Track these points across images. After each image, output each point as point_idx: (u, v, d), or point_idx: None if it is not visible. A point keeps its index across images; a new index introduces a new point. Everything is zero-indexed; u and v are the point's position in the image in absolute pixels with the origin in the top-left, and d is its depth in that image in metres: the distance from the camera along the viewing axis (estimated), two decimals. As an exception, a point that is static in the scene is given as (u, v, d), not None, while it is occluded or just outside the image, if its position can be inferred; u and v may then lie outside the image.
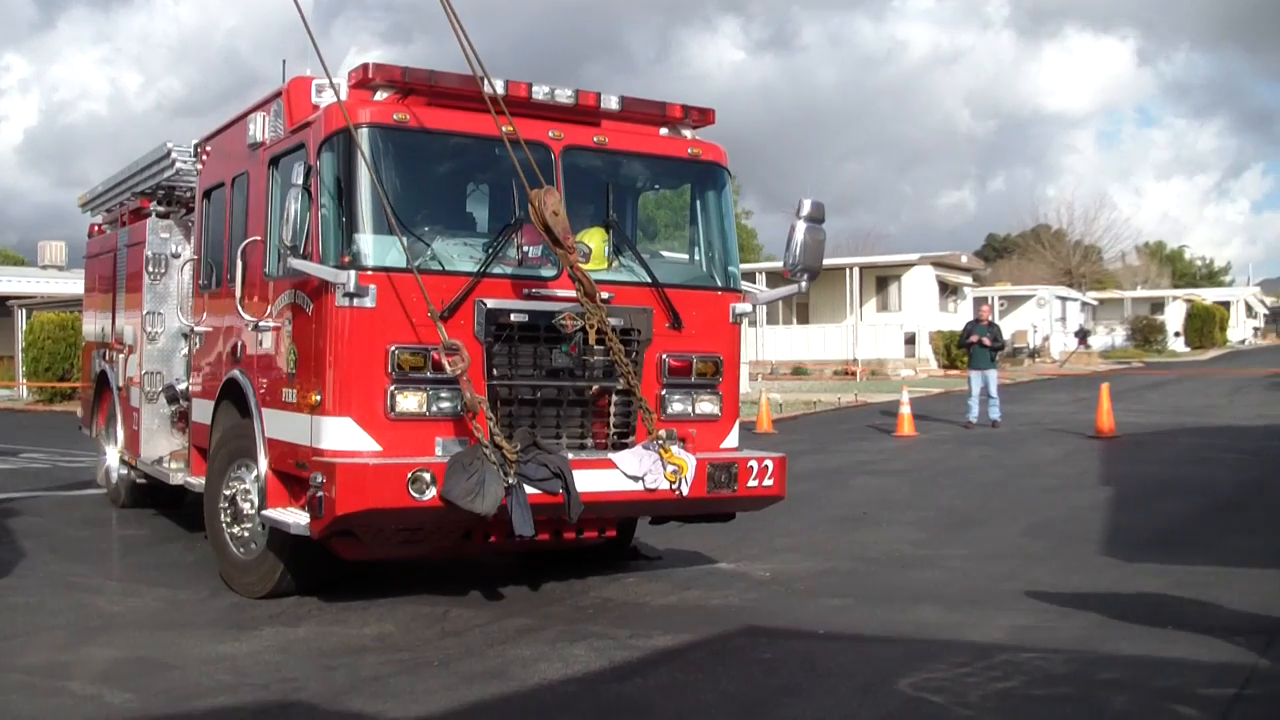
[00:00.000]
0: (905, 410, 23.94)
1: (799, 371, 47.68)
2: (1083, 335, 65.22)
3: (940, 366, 49.55)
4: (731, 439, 10.01)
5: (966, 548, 11.99)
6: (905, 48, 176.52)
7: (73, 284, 45.28)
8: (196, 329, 11.70)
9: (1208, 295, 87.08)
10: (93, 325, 16.14)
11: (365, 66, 9.14)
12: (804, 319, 52.23)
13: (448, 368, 8.38)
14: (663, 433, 9.10)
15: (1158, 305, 79.78)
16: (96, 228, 16.60)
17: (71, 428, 21.02)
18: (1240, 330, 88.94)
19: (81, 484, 16.94)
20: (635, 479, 8.99)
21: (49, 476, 18.34)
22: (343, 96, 9.04)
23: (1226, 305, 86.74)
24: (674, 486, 9.05)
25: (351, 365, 8.65)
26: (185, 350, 12.66)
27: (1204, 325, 75.35)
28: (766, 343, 48.44)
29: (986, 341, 25.01)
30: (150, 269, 13.10)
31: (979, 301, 57.01)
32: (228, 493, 10.10)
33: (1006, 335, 60.90)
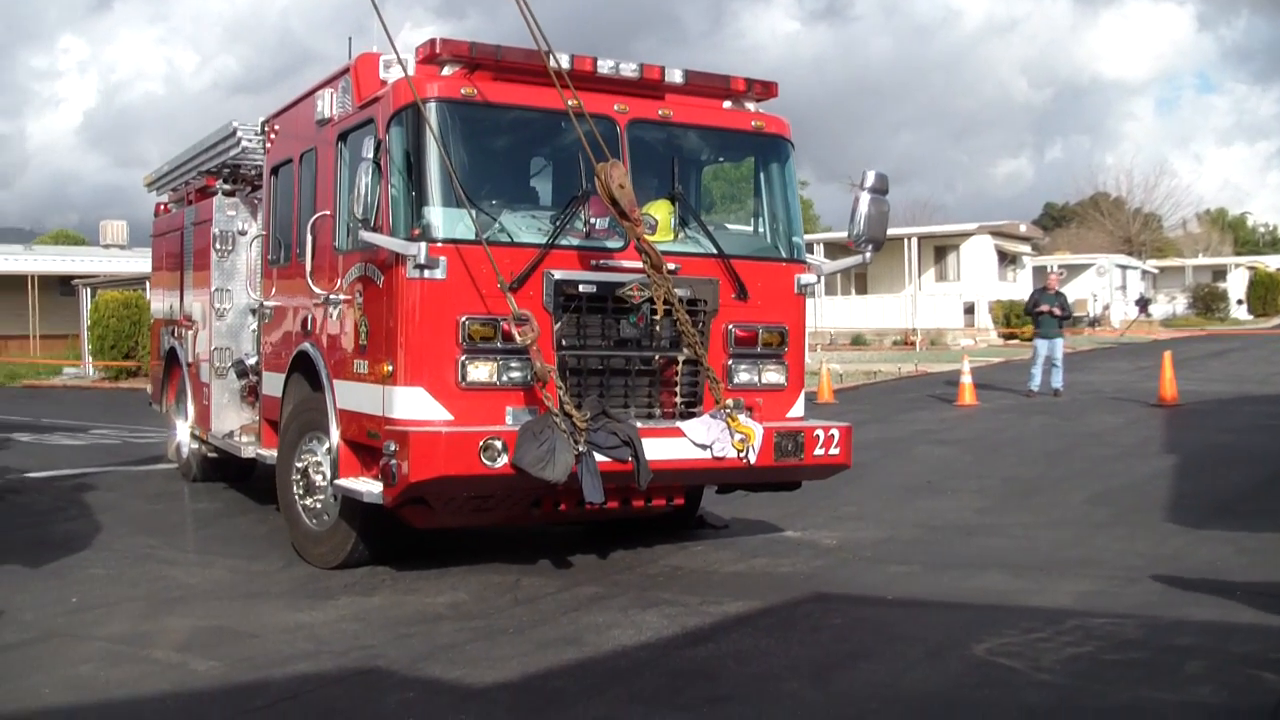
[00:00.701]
0: (966, 379, 23.84)
1: (858, 341, 47.54)
2: (1144, 304, 64.62)
3: (1000, 336, 49.30)
4: (797, 408, 10.08)
5: (1030, 515, 12.01)
6: (960, 16, 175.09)
7: (135, 262, 46.00)
8: (265, 304, 11.86)
9: (1271, 262, 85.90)
10: (161, 303, 16.38)
11: (432, 42, 9.24)
12: (862, 289, 52.08)
13: (518, 337, 8.49)
14: (730, 402, 9.17)
15: (1219, 273, 78.91)
16: (163, 206, 16.82)
17: (138, 404, 21.40)
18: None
19: (152, 459, 17.21)
20: (703, 447, 9.07)
21: (120, 452, 18.64)
22: (410, 72, 9.14)
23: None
24: (741, 455, 9.13)
25: (423, 336, 8.77)
26: (253, 326, 12.82)
27: (1267, 293, 74.35)
28: (825, 313, 48.28)
29: (1056, 310, 24.87)
30: (218, 246, 13.30)
31: (1041, 270, 56.72)
32: (300, 465, 10.27)
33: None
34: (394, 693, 6.62)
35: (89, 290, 42.09)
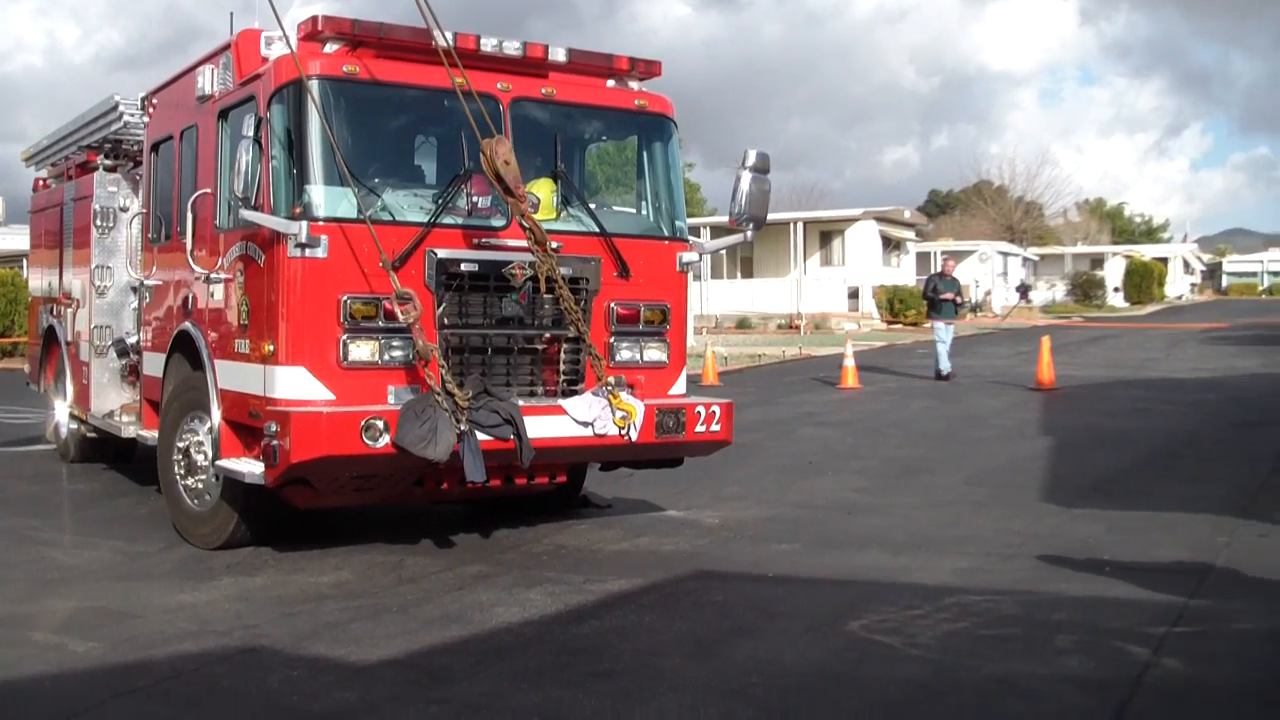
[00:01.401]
0: (849, 363, 24.17)
1: (743, 325, 47.91)
2: (1024, 290, 65.87)
3: (884, 321, 49.93)
4: (679, 386, 10.18)
5: (911, 495, 12.24)
6: (850, 4, 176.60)
7: (10, 239, 44.91)
8: (146, 282, 11.69)
9: (1146, 251, 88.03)
10: (39, 280, 16.06)
11: (315, 19, 9.18)
12: (748, 273, 52.43)
13: (400, 316, 8.49)
14: (611, 379, 9.26)
15: (1098, 261, 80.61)
16: (41, 182, 16.48)
17: (13, 384, 20.94)
18: (1178, 286, 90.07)
19: (28, 439, 16.87)
20: (585, 424, 9.14)
21: (-4, 432, 18.27)
22: (292, 49, 9.08)
23: (1165, 261, 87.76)
24: (623, 432, 9.21)
25: (304, 315, 8.73)
26: (134, 304, 12.64)
27: (1143, 281, 76.11)
28: (711, 296, 48.57)
29: (951, 296, 25.46)
30: (99, 222, 13.07)
31: (925, 257, 57.59)
32: (181, 445, 10.16)
33: (950, 290, 61.74)
34: (278, 671, 6.59)
35: (-38, 267, 41.02)
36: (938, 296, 25.66)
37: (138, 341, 12.27)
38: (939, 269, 27.01)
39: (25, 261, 36.19)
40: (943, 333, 25.23)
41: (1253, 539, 9.93)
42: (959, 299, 25.86)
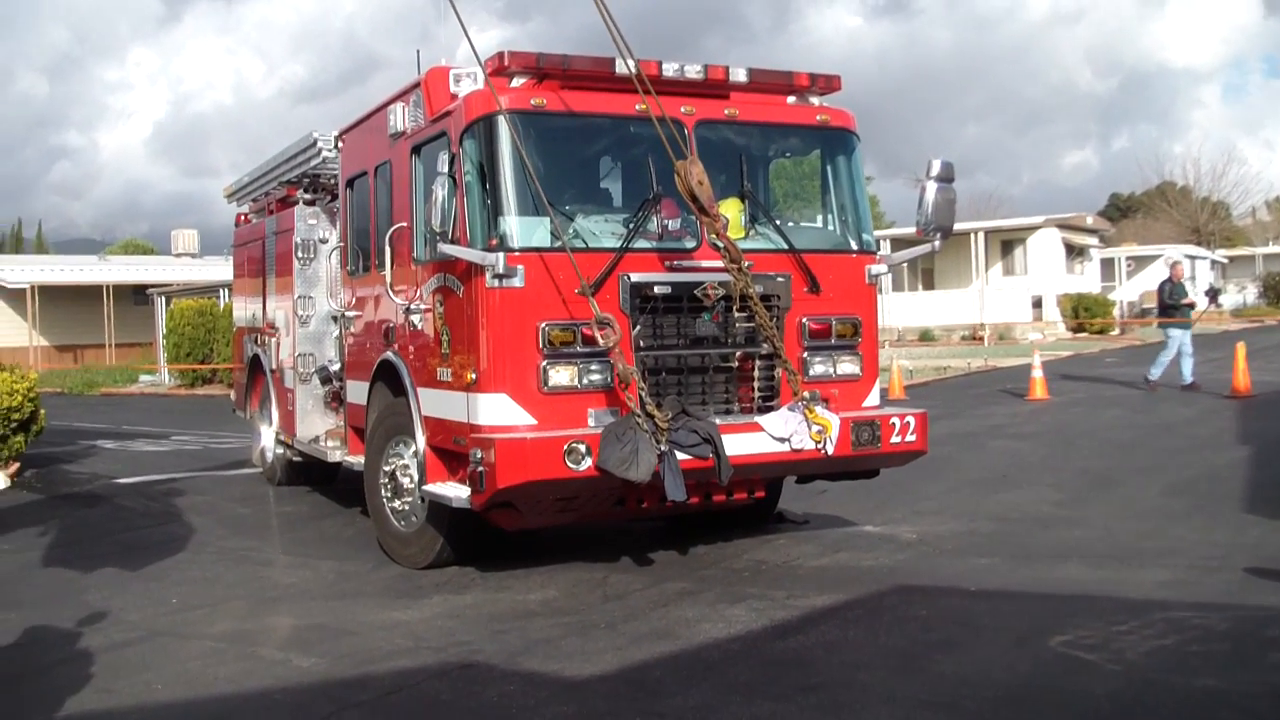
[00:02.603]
0: (1037, 374, 23.82)
1: (926, 337, 47.47)
2: (1213, 294, 63.66)
3: (1068, 329, 49.06)
4: (873, 398, 10.22)
5: (1107, 507, 12.06)
6: (1024, 6, 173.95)
7: (206, 271, 46.77)
8: (347, 314, 12.11)
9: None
10: (243, 311, 16.70)
11: (502, 55, 9.42)
12: (929, 285, 51.98)
13: (600, 341, 8.68)
14: (807, 394, 9.32)
15: (1290, 261, 77.97)
16: (243, 217, 17.17)
17: (215, 410, 21.78)
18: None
19: (235, 464, 17.54)
20: (782, 440, 9.22)
21: (203, 457, 18.99)
22: (488, 85, 9.36)
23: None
24: (820, 446, 9.27)
25: (504, 343, 8.96)
26: (336, 333, 13.08)
27: (1337, 281, 73.43)
28: (893, 310, 48.20)
29: (1191, 301, 24.53)
30: (299, 254, 13.58)
31: (1110, 263, 56.38)
32: (387, 469, 10.50)
33: (1135, 296, 60.31)
34: (494, 686, 6.83)
35: (164, 299, 42.69)
36: (1179, 302, 24.32)
37: (340, 369, 12.69)
38: (1168, 274, 25.63)
39: (223, 292, 37.69)
40: (1185, 340, 23.94)
41: None
42: (1195, 301, 24.72)
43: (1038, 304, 49.86)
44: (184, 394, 36.27)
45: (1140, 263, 63.50)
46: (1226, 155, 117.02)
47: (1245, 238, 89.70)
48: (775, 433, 9.23)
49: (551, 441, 8.60)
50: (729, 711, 6.24)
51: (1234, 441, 16.49)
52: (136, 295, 49.70)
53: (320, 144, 13.03)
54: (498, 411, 8.94)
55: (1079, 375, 27.99)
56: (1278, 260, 77.83)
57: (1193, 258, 66.99)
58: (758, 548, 10.50)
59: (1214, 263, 73.13)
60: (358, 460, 11.50)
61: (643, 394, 8.63)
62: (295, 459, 14.45)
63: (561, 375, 9.00)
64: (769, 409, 9.50)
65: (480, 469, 8.66)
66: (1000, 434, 18.47)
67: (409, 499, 10.25)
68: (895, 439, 9.75)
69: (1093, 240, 57.38)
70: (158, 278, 49.88)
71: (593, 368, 9.04)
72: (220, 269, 42.26)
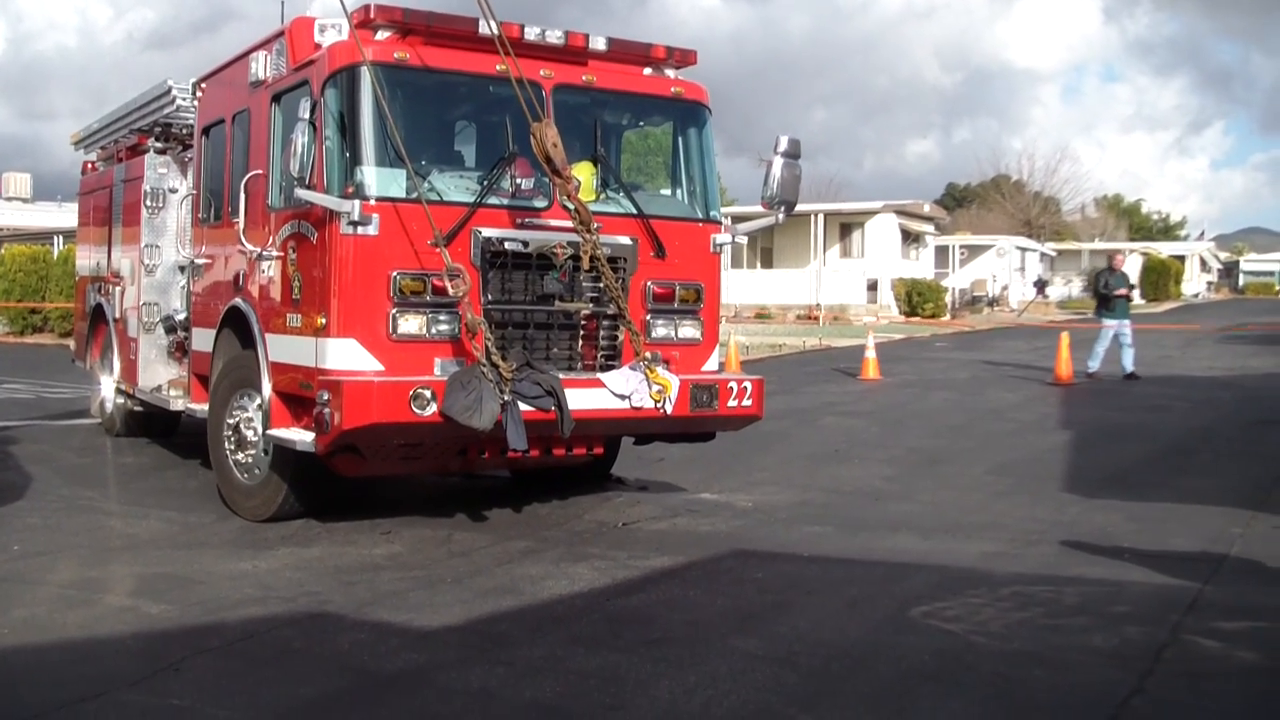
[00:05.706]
0: (870, 354, 24.42)
1: (762, 316, 48.14)
2: (1041, 285, 66.05)
3: (901, 313, 50.17)
4: (712, 363, 10.57)
5: (935, 483, 12.56)
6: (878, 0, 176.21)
7: (40, 216, 45.36)
8: (196, 261, 12.07)
9: (1164, 249, 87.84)
10: (87, 259, 16.44)
11: (368, 7, 9.55)
12: (768, 263, 52.67)
13: (450, 291, 8.88)
14: (648, 355, 9.64)
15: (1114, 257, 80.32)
16: (90, 165, 16.88)
17: (48, 359, 21.32)
18: (1194, 284, 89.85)
19: (72, 414, 17.28)
20: (623, 397, 9.54)
21: (38, 406, 18.67)
22: (343, 36, 9.47)
23: (1181, 259, 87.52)
24: (659, 405, 9.61)
25: (355, 289, 9.12)
26: (182, 282, 13.02)
27: (1159, 279, 75.98)
28: (731, 287, 48.72)
29: (1125, 292, 24.51)
30: (148, 203, 13.45)
31: (943, 250, 57.71)
32: (231, 420, 10.53)
33: (965, 284, 61.86)
34: (346, 634, 6.97)
35: (-9, 243, 41.44)
36: (1112, 293, 24.33)
37: (186, 319, 12.64)
38: (1108, 264, 25.38)
39: (58, 239, 36.74)
40: (1125, 331, 23.95)
41: (1266, 530, 10.22)
42: (1128, 291, 24.72)
43: (873, 287, 50.89)
44: (13, 342, 35.36)
45: (973, 251, 65.15)
46: (1060, 153, 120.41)
47: (1073, 233, 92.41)
48: (616, 390, 9.52)
49: (397, 385, 8.79)
50: (575, 662, 6.47)
51: (1055, 426, 17.18)
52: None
53: (175, 92, 12.93)
54: (346, 356, 9.08)
55: (910, 357, 28.75)
56: (1103, 256, 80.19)
57: (1023, 250, 68.97)
58: (598, 508, 10.79)
59: (1043, 255, 75.28)
60: (201, 408, 11.46)
61: (489, 344, 8.85)
62: (136, 409, 14.33)
63: (410, 324, 9.18)
64: (611, 368, 9.78)
65: (326, 410, 8.82)
66: (833, 411, 18.97)
67: (252, 451, 10.30)
68: (732, 403, 10.10)
69: (929, 228, 58.64)
70: (-16, 221, 48.32)
71: (441, 318, 9.23)
72: (54, 215, 41.20)
